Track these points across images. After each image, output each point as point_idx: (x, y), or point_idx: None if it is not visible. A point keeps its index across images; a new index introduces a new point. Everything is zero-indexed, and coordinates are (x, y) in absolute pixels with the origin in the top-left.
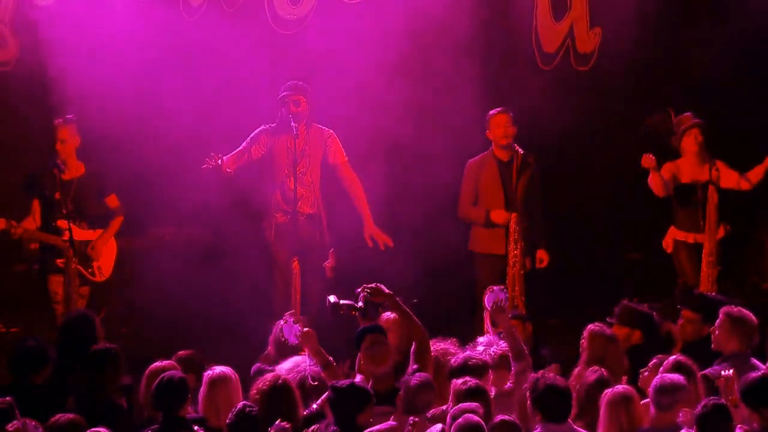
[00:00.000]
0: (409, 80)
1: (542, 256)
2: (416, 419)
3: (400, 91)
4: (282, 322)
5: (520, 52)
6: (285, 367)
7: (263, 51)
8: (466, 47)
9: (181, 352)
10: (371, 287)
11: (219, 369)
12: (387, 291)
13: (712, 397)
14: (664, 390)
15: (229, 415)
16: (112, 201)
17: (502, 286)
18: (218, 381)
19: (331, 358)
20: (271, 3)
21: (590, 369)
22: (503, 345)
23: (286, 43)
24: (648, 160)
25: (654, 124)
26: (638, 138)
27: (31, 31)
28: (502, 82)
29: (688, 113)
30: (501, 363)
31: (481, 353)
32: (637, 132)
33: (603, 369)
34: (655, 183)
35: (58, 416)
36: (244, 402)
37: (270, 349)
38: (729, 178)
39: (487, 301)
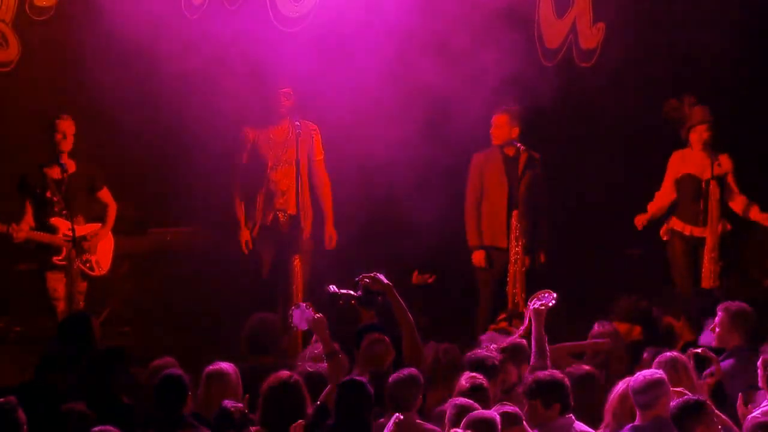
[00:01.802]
0: (410, 77)
1: (540, 257)
2: (400, 416)
3: (402, 88)
4: (294, 308)
5: (523, 48)
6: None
7: (265, 49)
8: (467, 44)
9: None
10: (370, 276)
11: (218, 364)
12: (385, 281)
13: (692, 395)
14: (640, 390)
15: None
16: (105, 195)
17: (553, 293)
18: (214, 376)
19: (337, 347)
20: (273, 0)
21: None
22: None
23: (289, 41)
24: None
25: (668, 110)
26: (641, 133)
27: (33, 32)
28: (505, 78)
29: (701, 107)
30: (511, 357)
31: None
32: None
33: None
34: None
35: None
36: (227, 401)
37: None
38: (736, 197)
39: (534, 302)
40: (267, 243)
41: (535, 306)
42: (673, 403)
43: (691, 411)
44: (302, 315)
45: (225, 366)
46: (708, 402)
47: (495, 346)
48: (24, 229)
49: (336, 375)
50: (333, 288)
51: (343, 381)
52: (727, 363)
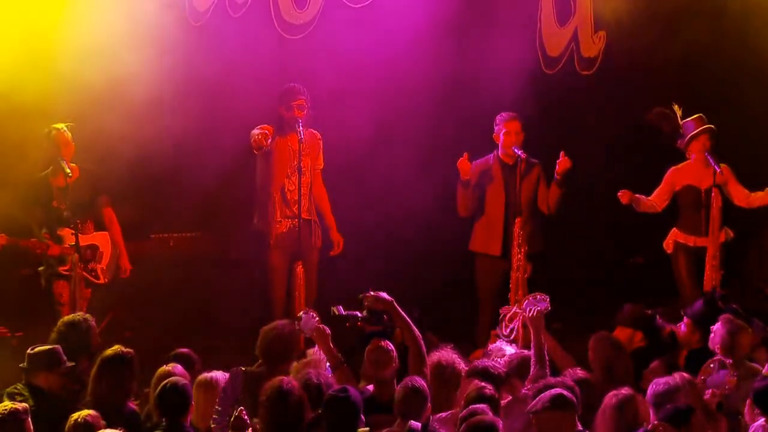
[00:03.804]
0: (412, 83)
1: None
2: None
3: (403, 94)
4: (302, 313)
5: (525, 56)
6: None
7: (269, 56)
8: (469, 52)
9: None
10: (371, 295)
11: (211, 374)
12: (388, 298)
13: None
14: (661, 394)
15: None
16: (104, 200)
17: (545, 296)
18: (204, 385)
19: (342, 358)
20: (277, 8)
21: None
22: (511, 352)
23: (293, 48)
24: (624, 197)
25: (655, 118)
26: (642, 141)
27: (36, 36)
28: (506, 86)
29: (698, 116)
30: (517, 371)
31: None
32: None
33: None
34: (645, 208)
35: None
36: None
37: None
38: (737, 191)
39: (527, 305)
40: (280, 251)
41: (532, 314)
42: (663, 409)
43: (680, 418)
44: (309, 322)
45: (216, 375)
46: (698, 410)
47: (504, 358)
48: (3, 236)
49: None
50: (339, 310)
51: (329, 393)
52: (722, 374)
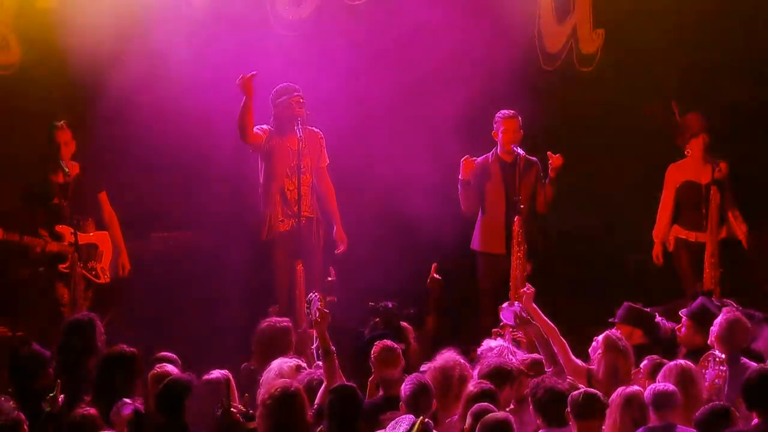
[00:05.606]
0: (411, 81)
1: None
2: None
3: (401, 92)
4: (313, 295)
5: (524, 53)
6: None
7: (264, 52)
8: (469, 48)
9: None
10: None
11: (213, 373)
12: None
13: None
14: (661, 395)
15: None
16: (104, 198)
17: (511, 301)
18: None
19: (333, 348)
20: (273, 3)
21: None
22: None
23: (288, 44)
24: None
25: (653, 113)
26: (642, 138)
27: (34, 35)
28: (505, 83)
29: (694, 114)
30: (530, 370)
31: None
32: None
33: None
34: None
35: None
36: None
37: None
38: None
39: (505, 317)
40: (283, 249)
41: (518, 323)
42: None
43: (719, 417)
44: (315, 303)
45: (217, 374)
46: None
47: (518, 358)
48: None
49: (330, 375)
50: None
51: (334, 387)
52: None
